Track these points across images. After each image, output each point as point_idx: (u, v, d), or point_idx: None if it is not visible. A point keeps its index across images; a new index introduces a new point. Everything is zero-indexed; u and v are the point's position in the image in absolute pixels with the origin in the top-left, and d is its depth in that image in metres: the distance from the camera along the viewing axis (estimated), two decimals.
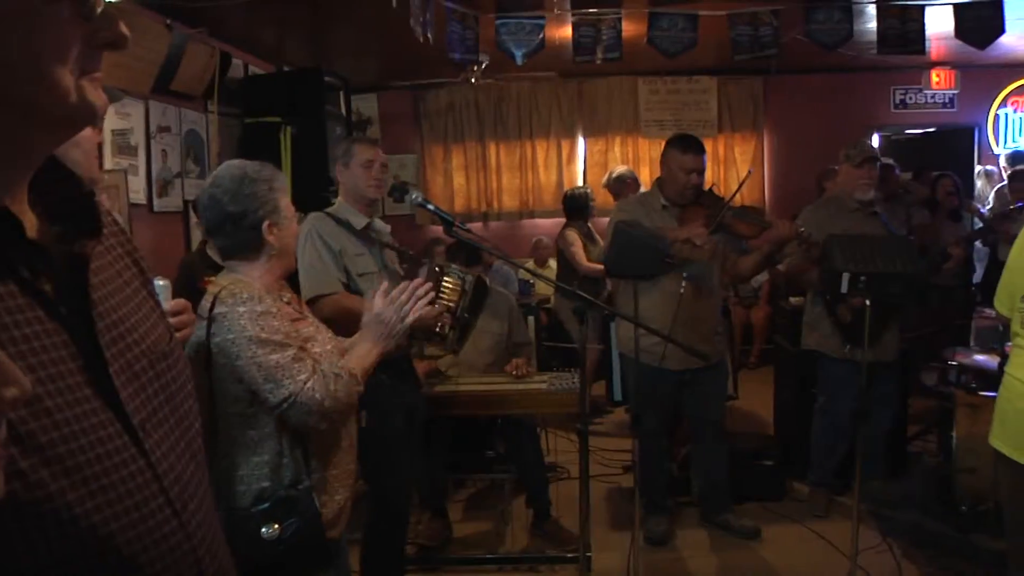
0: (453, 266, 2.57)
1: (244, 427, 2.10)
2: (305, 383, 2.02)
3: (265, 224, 2.15)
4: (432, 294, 2.38)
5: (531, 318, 5.19)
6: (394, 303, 2.23)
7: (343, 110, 6.70)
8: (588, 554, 3.22)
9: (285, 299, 2.23)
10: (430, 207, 2.75)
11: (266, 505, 2.05)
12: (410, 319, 2.24)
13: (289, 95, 6.01)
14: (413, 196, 2.78)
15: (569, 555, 3.99)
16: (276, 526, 2.01)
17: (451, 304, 2.53)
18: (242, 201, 2.14)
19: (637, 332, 3.57)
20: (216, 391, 2.09)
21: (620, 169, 6.80)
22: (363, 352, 2.22)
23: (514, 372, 4.15)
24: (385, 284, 2.33)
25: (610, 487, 4.97)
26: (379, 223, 3.42)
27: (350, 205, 3.34)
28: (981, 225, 6.74)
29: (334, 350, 2.23)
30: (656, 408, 4.11)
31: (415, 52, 5.84)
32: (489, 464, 4.44)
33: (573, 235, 6.29)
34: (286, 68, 6.94)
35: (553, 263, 8.22)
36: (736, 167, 9.05)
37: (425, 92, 8.94)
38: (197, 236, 5.10)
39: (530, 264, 8.08)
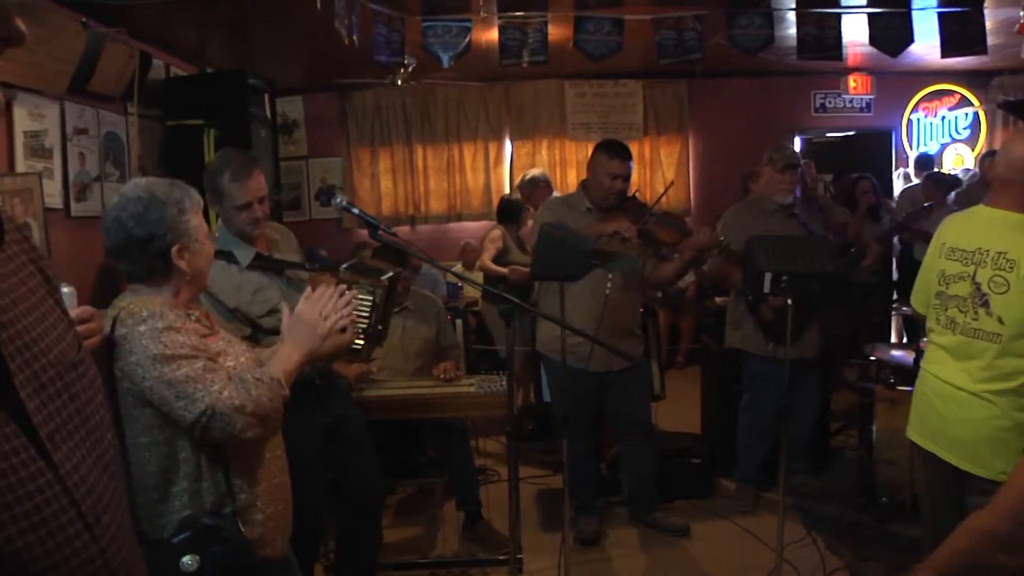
0: (361, 281, 2.53)
1: (158, 454, 1.98)
2: (221, 392, 1.92)
3: (175, 249, 2.04)
4: (356, 303, 2.33)
5: (459, 321, 5.18)
6: (315, 304, 2.17)
7: (268, 113, 6.60)
8: (519, 556, 3.22)
9: (193, 317, 2.12)
10: (355, 211, 2.71)
11: (186, 534, 1.93)
12: (332, 320, 2.18)
13: (212, 97, 5.89)
14: (338, 200, 2.73)
15: (500, 557, 3.98)
16: (196, 556, 1.90)
17: (363, 322, 2.49)
18: (149, 225, 2.01)
19: (564, 334, 3.58)
20: (125, 418, 1.97)
21: (533, 171, 6.82)
22: (284, 356, 2.12)
23: (442, 375, 4.13)
24: (309, 289, 2.27)
25: (541, 488, 4.98)
26: (278, 233, 3.24)
27: (234, 235, 3.00)
28: (892, 224, 6.96)
29: (249, 361, 2.15)
30: (581, 409, 4.13)
31: (341, 54, 5.78)
32: (419, 468, 4.42)
33: (496, 233, 6.25)
34: (209, 70, 6.81)
35: None
36: (662, 169, 9.17)
37: (351, 94, 8.85)
38: None
39: (458, 267, 8.05)
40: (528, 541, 4.06)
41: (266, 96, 6.52)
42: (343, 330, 2.20)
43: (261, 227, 3.04)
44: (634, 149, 8.91)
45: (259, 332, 2.95)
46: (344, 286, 2.30)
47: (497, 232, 6.26)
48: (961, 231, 2.87)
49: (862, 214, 6.38)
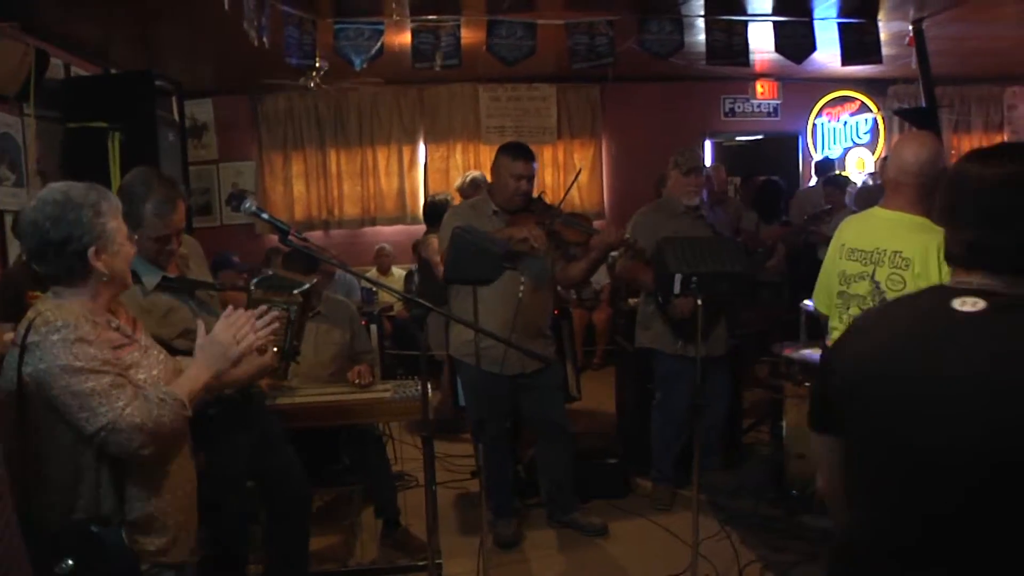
0: (274, 299, 2.49)
1: (63, 459, 1.99)
2: (124, 409, 1.93)
3: (91, 251, 2.04)
4: (276, 324, 2.30)
5: (374, 326, 5.14)
6: (230, 326, 2.16)
7: (176, 115, 6.43)
8: (438, 561, 3.21)
9: (114, 325, 2.11)
10: (264, 216, 2.66)
11: (71, 539, 1.96)
12: (246, 343, 2.16)
13: (116, 99, 5.70)
14: (247, 205, 2.67)
15: (419, 563, 3.96)
16: (73, 561, 1.93)
17: (278, 341, 2.46)
18: (65, 227, 2.01)
19: (477, 338, 3.58)
20: (33, 422, 1.98)
21: (474, 173, 6.79)
22: (193, 375, 2.13)
23: (356, 380, 4.09)
24: (230, 309, 2.23)
25: (458, 493, 4.96)
26: (186, 247, 3.13)
27: (141, 257, 2.83)
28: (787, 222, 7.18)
29: (161, 375, 2.13)
30: (496, 412, 4.14)
31: (252, 56, 5.67)
32: (336, 476, 4.36)
33: (436, 242, 6.22)
34: (113, 71, 6.60)
35: (396, 271, 8.18)
36: (575, 173, 9.25)
37: (263, 97, 8.71)
38: (16, 247, 4.76)
39: (372, 272, 7.99)
40: (447, 546, 4.04)
41: (174, 98, 6.35)
42: (263, 351, 2.19)
43: (174, 258, 2.97)
44: (548, 152, 9.15)
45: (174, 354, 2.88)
46: (264, 307, 2.27)
47: (435, 241, 6.25)
48: (859, 232, 2.98)
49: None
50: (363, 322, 4.74)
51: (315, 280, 3.18)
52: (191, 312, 2.93)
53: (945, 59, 7.53)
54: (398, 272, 8.25)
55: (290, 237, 2.60)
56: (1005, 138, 10.38)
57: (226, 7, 4.46)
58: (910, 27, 6.63)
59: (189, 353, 2.32)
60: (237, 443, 3.11)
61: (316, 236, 8.75)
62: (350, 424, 4.08)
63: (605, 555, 4.22)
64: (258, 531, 3.65)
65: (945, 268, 2.60)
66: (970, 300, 1.42)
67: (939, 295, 1.47)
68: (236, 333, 2.15)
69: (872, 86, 9.65)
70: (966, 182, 1.46)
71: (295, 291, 2.60)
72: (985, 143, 10.39)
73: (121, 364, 2.04)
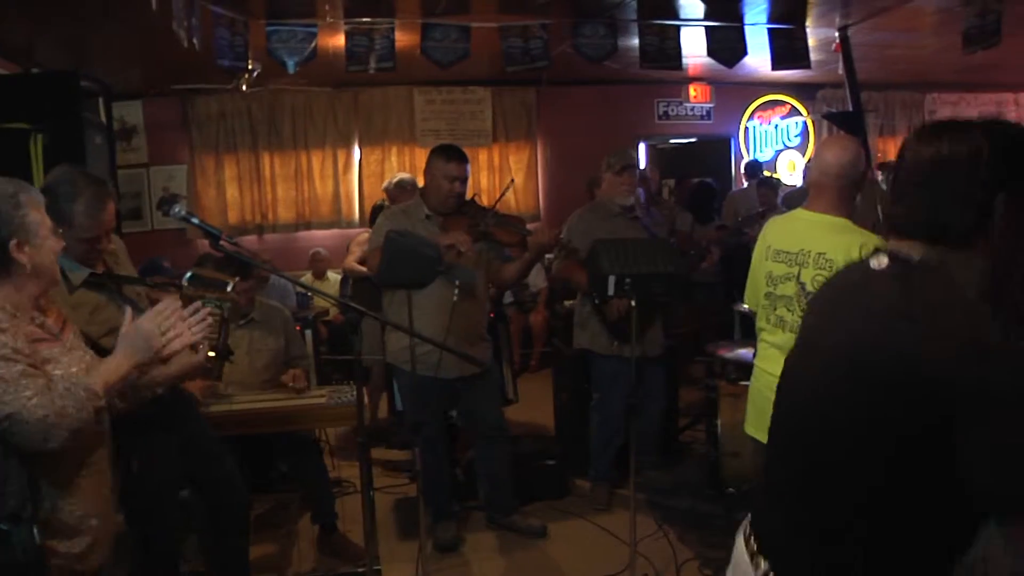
0: (207, 295, 2.44)
1: None
2: (30, 399, 1.87)
3: (12, 243, 2.01)
4: (209, 320, 2.26)
5: (308, 331, 5.08)
6: (156, 317, 2.10)
7: (103, 117, 6.26)
8: (377, 567, 3.18)
9: (38, 321, 2.07)
10: (194, 220, 2.60)
11: None
12: (180, 341, 2.11)
13: (39, 100, 5.51)
14: (176, 209, 2.61)
15: (358, 570, 3.92)
16: None
17: (212, 339, 2.41)
18: None
19: (412, 342, 3.57)
20: None
21: (402, 175, 6.77)
22: (112, 366, 2.07)
23: (291, 382, 4.05)
24: (162, 302, 2.18)
25: (397, 498, 4.93)
26: (115, 244, 3.08)
27: (68, 256, 2.76)
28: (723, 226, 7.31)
29: (80, 372, 2.08)
30: (434, 416, 4.13)
31: (182, 58, 5.56)
32: (272, 483, 4.30)
33: (364, 237, 6.13)
34: (35, 70, 6.41)
35: (332, 275, 8.10)
36: (511, 175, 9.29)
37: (194, 99, 8.53)
38: None
39: (307, 277, 7.90)
40: (386, 551, 4.02)
41: (101, 100, 6.18)
42: (196, 349, 2.15)
43: (103, 257, 2.91)
44: (483, 156, 9.16)
45: (100, 354, 2.81)
46: (198, 303, 2.22)
47: (365, 236, 6.18)
48: (783, 234, 3.04)
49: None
50: (297, 327, 4.69)
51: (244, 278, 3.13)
52: (119, 309, 2.85)
53: (870, 65, 7.75)
54: (333, 277, 8.16)
55: (221, 242, 2.56)
56: None
57: (154, 7, 4.37)
58: (836, 34, 6.81)
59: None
60: (167, 446, 3.05)
61: (250, 241, 8.63)
62: (286, 431, 4.02)
63: (544, 556, 4.24)
64: (194, 541, 3.59)
65: None
66: (884, 259, 1.47)
67: (871, 256, 1.52)
68: (162, 323, 2.10)
69: (802, 90, 9.87)
70: (901, 155, 1.51)
71: (229, 288, 2.55)
72: None
73: (36, 357, 1.99)
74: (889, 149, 10.61)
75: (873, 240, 2.76)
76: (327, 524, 4.27)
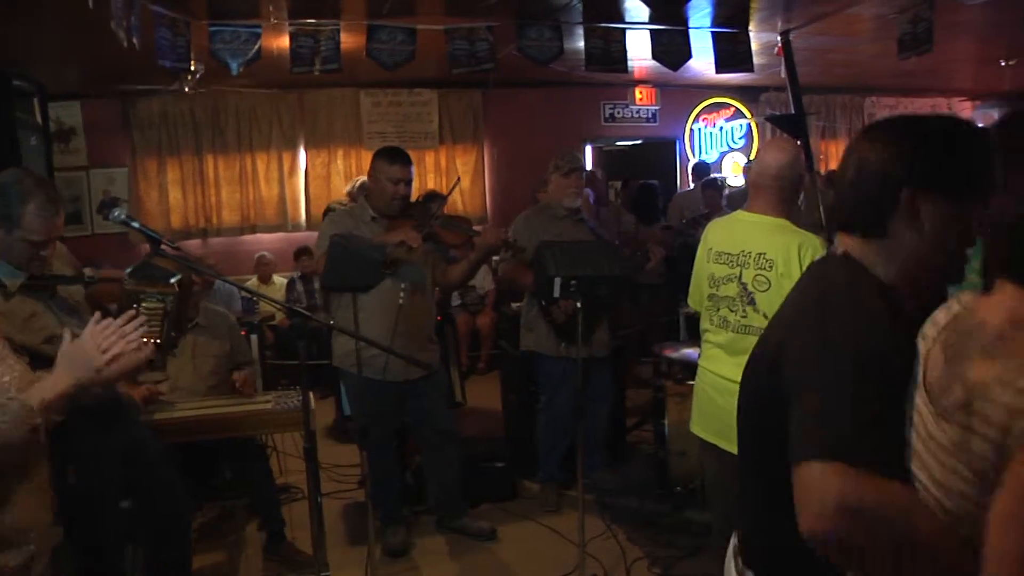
0: (148, 290, 2.40)
1: None
2: None
3: None
4: (143, 328, 2.21)
5: (254, 336, 5.02)
6: (96, 335, 2.05)
7: (39, 118, 6.12)
8: (325, 574, 3.15)
9: None
10: (135, 224, 2.56)
11: None
12: (116, 350, 2.06)
13: None
14: (116, 213, 2.56)
15: None
16: None
17: (154, 333, 2.36)
18: None
19: (358, 346, 3.55)
20: None
21: (362, 178, 6.74)
22: (51, 383, 1.99)
23: (239, 384, 4.00)
24: (97, 315, 2.13)
25: (345, 503, 4.90)
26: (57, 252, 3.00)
27: (6, 260, 2.73)
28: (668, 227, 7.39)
29: (13, 383, 2.01)
30: (382, 420, 4.11)
31: (123, 57, 5.43)
32: (217, 491, 4.24)
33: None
34: None
35: (278, 279, 8.02)
36: (458, 178, 9.26)
37: (135, 100, 8.36)
38: None
39: (253, 281, 7.81)
40: (335, 557, 3.98)
41: (36, 100, 6.04)
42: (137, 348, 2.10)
43: (47, 264, 2.84)
44: (430, 158, 9.14)
45: (38, 362, 2.74)
46: (132, 312, 2.17)
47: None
48: (724, 235, 3.09)
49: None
50: (243, 332, 4.63)
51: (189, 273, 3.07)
52: (55, 317, 2.80)
53: (811, 69, 7.89)
54: (279, 280, 8.08)
55: (163, 247, 2.52)
56: None
57: (90, 5, 4.27)
58: (778, 38, 6.92)
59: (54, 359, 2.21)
60: (107, 455, 2.99)
61: (194, 245, 8.50)
62: (231, 437, 3.97)
63: (494, 559, 4.24)
64: (137, 552, 3.53)
65: (806, 266, 2.75)
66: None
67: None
68: (103, 343, 2.05)
69: (745, 93, 10.02)
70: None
71: (171, 280, 2.50)
72: None
73: None
74: (831, 151, 10.83)
75: (812, 240, 2.82)
76: (274, 531, 4.23)
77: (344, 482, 5.16)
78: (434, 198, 5.33)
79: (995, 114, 8.61)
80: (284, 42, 5.93)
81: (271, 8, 5.51)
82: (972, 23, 6.73)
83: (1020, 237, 1.28)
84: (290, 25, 5.78)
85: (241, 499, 4.19)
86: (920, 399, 1.29)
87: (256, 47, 5.70)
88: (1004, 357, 1.16)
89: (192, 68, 6.12)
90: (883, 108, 11.07)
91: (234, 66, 5.67)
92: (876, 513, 1.21)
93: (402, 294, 3.95)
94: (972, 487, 1.18)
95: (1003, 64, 8.14)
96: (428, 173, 9.09)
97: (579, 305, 3.58)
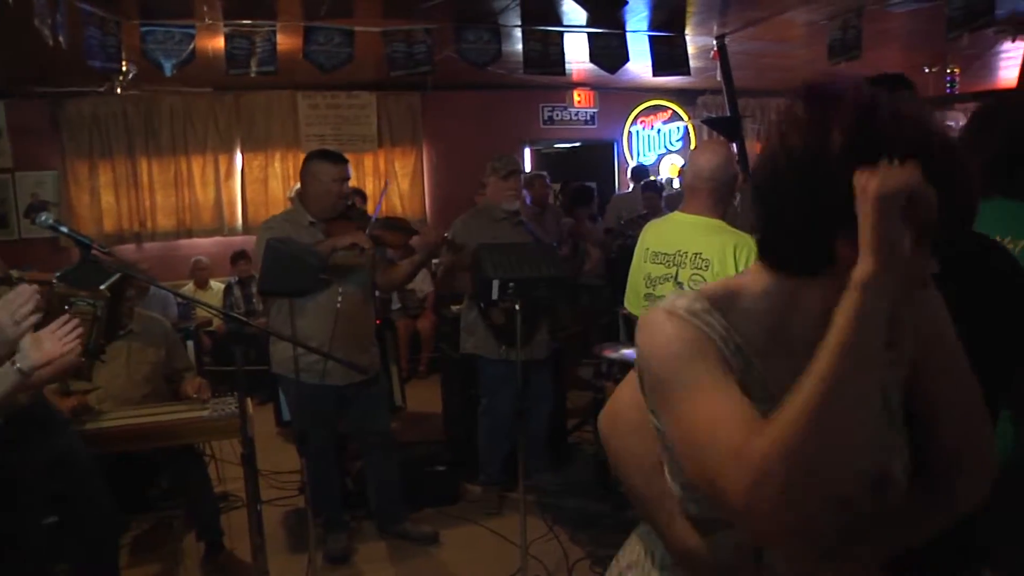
0: (79, 294, 2.33)
1: None
2: None
3: None
4: (80, 330, 2.16)
5: (190, 342, 4.94)
6: (9, 304, 1.99)
7: None
8: None
9: None
10: (63, 229, 2.50)
11: None
12: (29, 321, 1.99)
13: None
14: (43, 218, 2.49)
15: None
16: None
17: (82, 337, 2.30)
18: None
19: (296, 351, 3.51)
20: None
21: None
22: None
23: (195, 393, 3.95)
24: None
25: (286, 510, 4.83)
26: None
27: None
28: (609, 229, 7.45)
29: None
30: (322, 425, 4.07)
31: (50, 57, 5.28)
32: (154, 501, 4.16)
33: None
34: None
35: (215, 284, 7.89)
36: (396, 181, 9.24)
37: (64, 102, 8.15)
38: None
39: (189, 286, 7.67)
40: (275, 566, 3.90)
41: None
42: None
43: None
44: (368, 161, 9.09)
45: None
46: (66, 316, 2.12)
47: None
48: (661, 236, 3.13)
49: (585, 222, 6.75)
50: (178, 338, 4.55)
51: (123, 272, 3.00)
52: None
53: (746, 72, 8.02)
54: (216, 286, 7.96)
55: (93, 252, 2.46)
56: None
57: (9, 2, 4.14)
58: (714, 42, 7.05)
59: None
60: (32, 461, 2.91)
61: (128, 249, 8.32)
62: (167, 446, 3.89)
63: (437, 563, 4.23)
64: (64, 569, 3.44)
65: (742, 266, 2.80)
66: None
67: None
68: (16, 312, 1.97)
69: (682, 96, 10.15)
70: None
71: (102, 286, 2.43)
72: None
73: None
74: None
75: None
76: (213, 541, 4.15)
77: (284, 489, 5.09)
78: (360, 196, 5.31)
79: None
80: (219, 43, 5.85)
81: (205, 8, 5.42)
82: (898, 31, 6.94)
83: None
84: (225, 26, 5.70)
85: (178, 509, 4.11)
86: None
87: (190, 48, 5.61)
88: None
89: (124, 69, 5.99)
90: None
91: (167, 67, 5.57)
92: None
93: (340, 298, 3.92)
94: None
95: (926, 71, 8.40)
96: (367, 176, 9.03)
97: (517, 307, 3.59)
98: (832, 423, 0.94)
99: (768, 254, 1.13)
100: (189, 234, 8.66)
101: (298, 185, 6.42)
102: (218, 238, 8.68)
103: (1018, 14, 5.81)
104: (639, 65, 6.90)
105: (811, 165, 1.02)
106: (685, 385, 1.08)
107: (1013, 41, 6.86)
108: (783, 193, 1.06)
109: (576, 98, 9.84)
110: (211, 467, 4.66)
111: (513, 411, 3.92)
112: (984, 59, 8.22)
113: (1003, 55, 8.12)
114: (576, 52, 6.65)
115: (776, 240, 1.11)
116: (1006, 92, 8.29)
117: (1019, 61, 4.84)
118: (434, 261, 4.69)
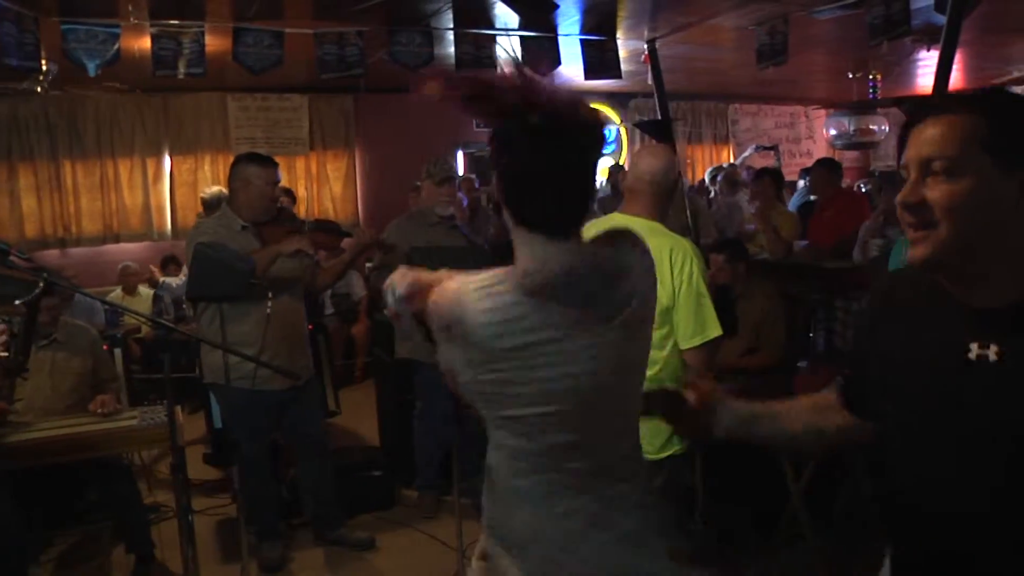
0: None
1: None
2: None
3: None
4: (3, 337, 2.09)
5: (118, 350, 4.82)
6: None
7: None
8: None
9: None
10: None
11: None
12: None
13: None
14: None
15: None
16: None
17: (1, 358, 2.24)
18: None
19: (226, 358, 3.46)
20: None
21: (219, 188, 6.56)
22: None
23: (99, 410, 3.82)
24: None
25: (219, 520, 4.75)
26: None
27: None
28: None
29: None
30: (256, 432, 4.02)
31: None
32: (81, 514, 4.05)
33: None
34: None
35: (144, 290, 7.73)
36: (329, 184, 9.17)
37: None
38: None
39: (117, 293, 7.50)
40: None
41: None
42: None
43: None
44: (301, 164, 9.02)
45: None
46: None
47: None
48: None
49: None
50: (106, 346, 4.44)
51: (41, 288, 2.92)
52: None
53: (677, 76, 8.16)
54: (145, 292, 7.78)
55: (12, 257, 2.39)
56: (731, 149, 11.40)
57: None
58: (645, 46, 7.14)
59: None
60: None
61: (52, 255, 8.12)
62: (94, 457, 3.80)
63: (373, 569, 4.20)
64: None
65: (677, 269, 2.84)
66: None
67: None
68: None
69: (615, 99, 10.25)
70: None
71: (18, 301, 2.36)
72: (714, 154, 11.41)
73: None
74: (697, 156, 11.21)
75: (683, 244, 2.92)
76: (143, 554, 4.06)
77: (217, 498, 5.00)
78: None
79: (846, 122, 9.11)
80: (145, 44, 5.72)
81: (130, 7, 5.30)
82: (823, 37, 7.12)
83: None
84: (151, 26, 5.59)
85: (107, 522, 4.00)
86: None
87: (115, 48, 5.49)
88: None
89: (44, 68, 5.81)
90: (745, 115, 11.56)
91: (91, 67, 5.44)
92: None
93: (270, 303, 3.86)
94: None
95: (850, 76, 8.65)
96: (299, 180, 8.93)
97: None
98: None
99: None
100: (116, 239, 8.47)
101: (214, 189, 6.38)
102: (147, 243, 8.51)
103: (932, 25, 6.03)
104: (571, 68, 6.96)
105: None
106: None
107: (928, 50, 7.11)
108: None
109: None
110: (141, 478, 4.57)
111: (448, 415, 3.91)
112: (903, 66, 8.49)
113: (920, 63, 8.40)
114: (508, 54, 6.68)
115: None
116: (923, 97, 8.61)
117: (934, 69, 5.02)
118: (368, 265, 4.67)
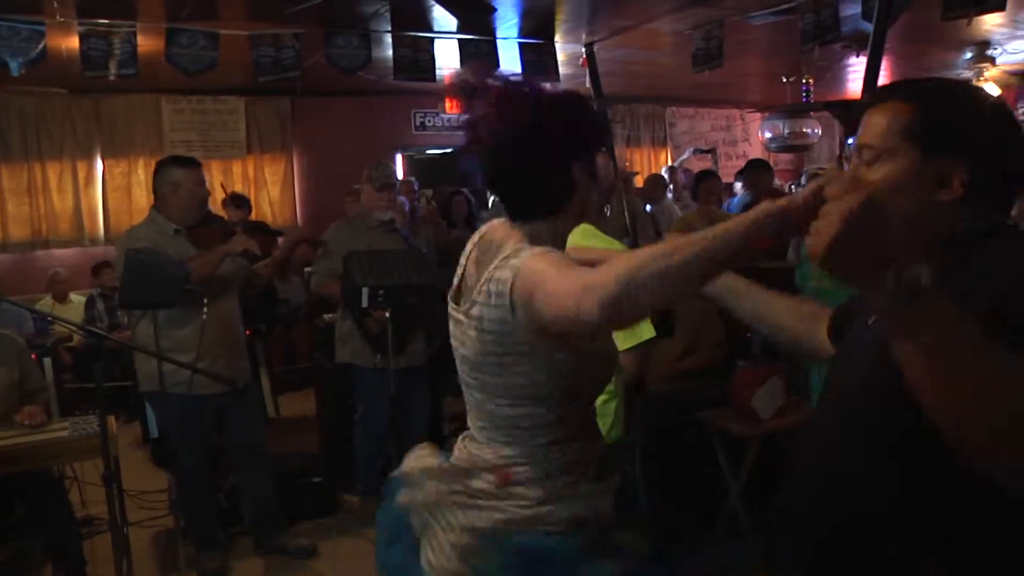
0: None
1: None
2: None
3: None
4: None
5: (47, 359, 4.70)
6: None
7: None
8: None
9: None
10: None
11: None
12: None
13: None
14: None
15: None
16: None
17: None
18: None
19: (161, 365, 3.40)
20: None
21: None
22: None
23: (26, 422, 3.71)
24: None
25: (155, 531, 4.65)
26: None
27: None
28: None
29: None
30: (193, 439, 3.95)
31: None
32: (9, 529, 3.93)
33: None
34: None
35: (75, 297, 7.55)
36: (267, 188, 9.06)
37: None
38: None
39: (46, 300, 7.31)
40: None
41: None
42: None
43: None
44: (237, 167, 8.90)
45: None
46: None
47: None
48: None
49: (460, 228, 6.80)
50: (34, 356, 4.32)
51: None
52: None
53: (615, 79, 8.24)
54: (77, 299, 7.59)
55: None
56: (669, 152, 11.54)
57: None
58: (583, 49, 7.19)
59: None
60: None
61: None
62: (21, 471, 3.69)
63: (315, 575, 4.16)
64: None
65: None
66: None
67: None
68: None
69: None
70: None
71: None
72: (653, 157, 11.55)
73: None
74: (635, 158, 11.32)
75: (616, 246, 2.94)
76: (74, 570, 3.94)
77: (152, 509, 4.90)
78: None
79: (780, 125, 9.28)
80: (74, 43, 5.58)
81: (56, 5, 5.14)
82: (758, 42, 7.26)
83: None
84: (80, 25, 5.45)
85: (37, 537, 3.89)
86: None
87: (40, 46, 5.33)
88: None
89: None
90: (683, 118, 11.72)
91: (14, 66, 5.28)
92: None
93: (205, 308, 3.80)
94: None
95: (784, 80, 8.82)
96: (236, 183, 8.79)
97: (388, 315, 3.58)
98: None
99: None
100: (46, 244, 8.21)
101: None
102: (78, 248, 8.28)
103: (861, 32, 6.20)
104: (510, 72, 6.99)
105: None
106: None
107: (857, 56, 7.30)
108: None
109: (448, 104, 9.84)
110: (73, 490, 4.46)
111: (388, 419, 3.90)
112: (835, 71, 8.69)
113: (850, 68, 8.62)
114: (447, 58, 6.68)
115: None
116: (852, 102, 8.82)
117: (863, 74, 5.16)
118: (306, 269, 4.63)
